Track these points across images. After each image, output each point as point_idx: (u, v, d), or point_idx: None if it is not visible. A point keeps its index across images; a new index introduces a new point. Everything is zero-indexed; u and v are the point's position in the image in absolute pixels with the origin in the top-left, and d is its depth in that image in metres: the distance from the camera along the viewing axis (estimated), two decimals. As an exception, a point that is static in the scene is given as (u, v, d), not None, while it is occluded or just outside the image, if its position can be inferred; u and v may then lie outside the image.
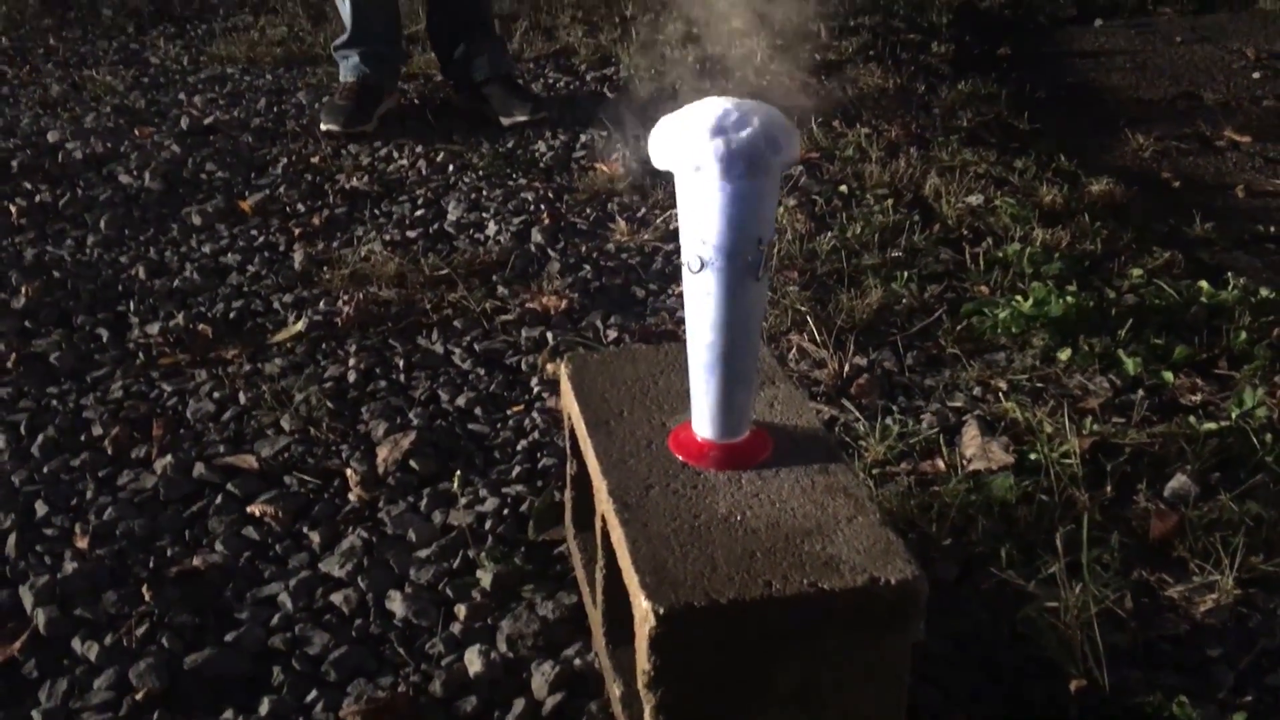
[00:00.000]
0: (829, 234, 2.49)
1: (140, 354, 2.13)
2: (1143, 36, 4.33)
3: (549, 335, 2.18)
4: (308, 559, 1.64)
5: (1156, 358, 2.04)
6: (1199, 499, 1.68)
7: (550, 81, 3.63)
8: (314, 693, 1.40)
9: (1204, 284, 2.25)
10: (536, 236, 2.56)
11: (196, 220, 2.65)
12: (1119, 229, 2.57)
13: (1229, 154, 3.25)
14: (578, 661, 1.43)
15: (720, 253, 1.19)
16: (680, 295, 1.35)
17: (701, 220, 1.18)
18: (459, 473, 1.77)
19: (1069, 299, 2.15)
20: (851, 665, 1.18)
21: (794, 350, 2.09)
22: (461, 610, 1.52)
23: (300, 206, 2.73)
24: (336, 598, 1.56)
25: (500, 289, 2.35)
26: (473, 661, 1.44)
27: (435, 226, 2.63)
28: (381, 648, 1.48)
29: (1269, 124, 3.45)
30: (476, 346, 2.15)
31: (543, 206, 2.72)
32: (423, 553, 1.63)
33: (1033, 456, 1.76)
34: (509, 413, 1.96)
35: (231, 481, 1.78)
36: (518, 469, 1.81)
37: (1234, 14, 4.60)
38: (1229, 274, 2.34)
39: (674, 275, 2.36)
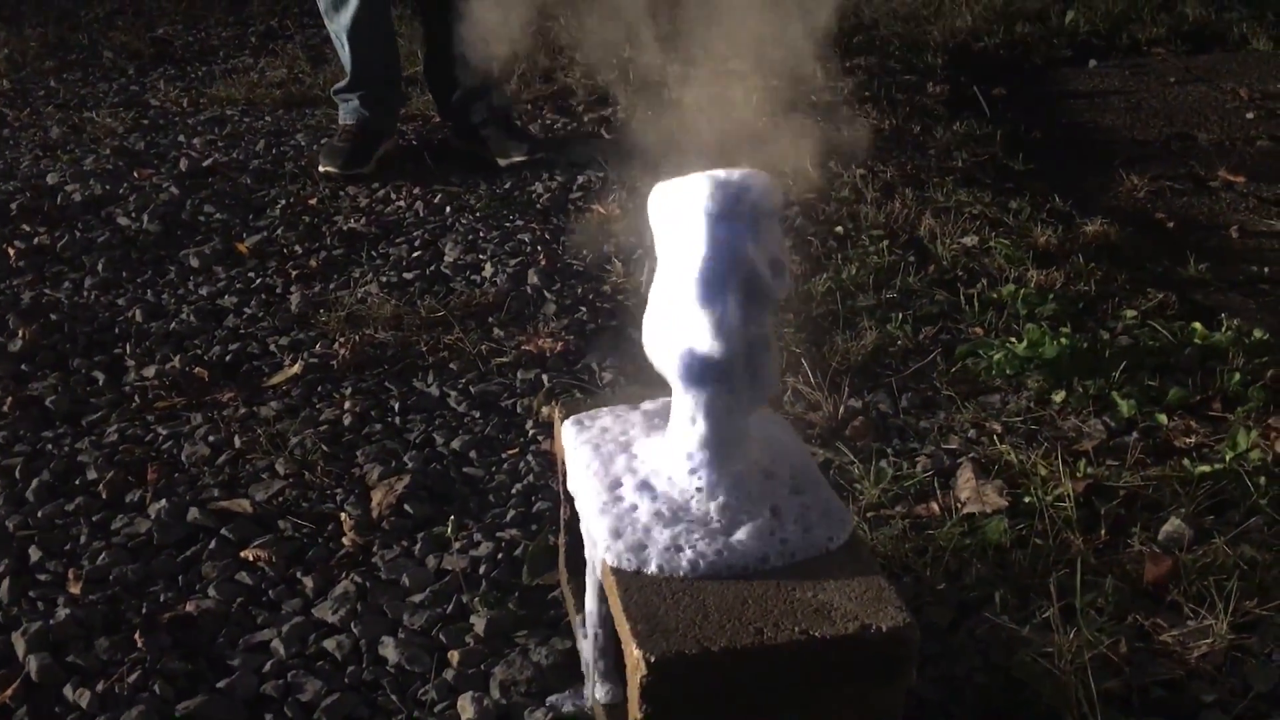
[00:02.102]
0: (824, 275, 2.50)
1: (136, 397, 2.13)
2: (1137, 77, 4.36)
3: (545, 378, 2.18)
4: (301, 604, 1.63)
5: (1150, 400, 2.05)
6: (1193, 542, 1.68)
7: (548, 122, 3.65)
8: (305, 740, 1.40)
9: (1198, 325, 2.26)
10: (533, 278, 2.57)
11: (194, 262, 2.66)
12: (1113, 270, 2.58)
13: (1223, 194, 3.26)
14: (571, 708, 1.42)
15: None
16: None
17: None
18: (453, 517, 1.77)
19: (1063, 341, 2.16)
20: (844, 712, 1.18)
21: (789, 392, 2.10)
22: (455, 656, 1.52)
23: (298, 248, 2.74)
24: (329, 644, 1.55)
25: (496, 331, 2.36)
26: (465, 708, 1.43)
27: (432, 268, 2.65)
28: (374, 694, 1.48)
29: (1263, 164, 3.47)
30: (472, 389, 2.15)
31: (539, 248, 2.73)
32: (416, 598, 1.63)
33: (1027, 499, 1.76)
34: (504, 456, 1.97)
35: (225, 526, 1.78)
36: (512, 513, 1.81)
37: (1227, 54, 4.63)
38: (1223, 315, 2.35)
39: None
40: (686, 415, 1.28)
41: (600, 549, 1.25)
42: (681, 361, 1.24)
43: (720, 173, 1.25)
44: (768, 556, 1.22)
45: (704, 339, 1.22)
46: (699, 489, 1.27)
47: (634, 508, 1.27)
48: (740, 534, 1.23)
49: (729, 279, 1.21)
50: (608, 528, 1.25)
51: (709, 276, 1.22)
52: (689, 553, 1.22)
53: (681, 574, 1.20)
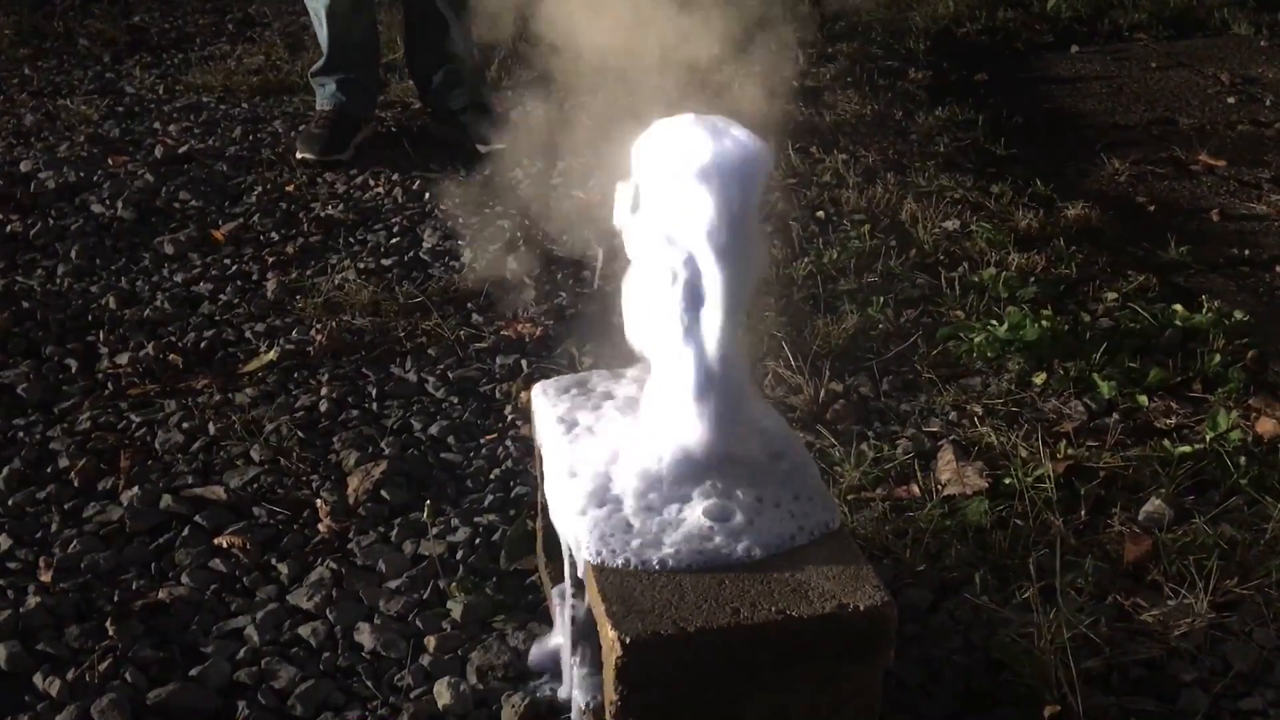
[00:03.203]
0: (805, 259, 2.49)
1: (109, 384, 2.11)
2: (1119, 62, 4.35)
3: (523, 363, 2.17)
4: (276, 591, 1.61)
5: (1131, 381, 2.04)
6: (1173, 522, 1.67)
7: (528, 109, 3.62)
8: (279, 727, 1.38)
9: (1178, 307, 2.26)
10: (512, 264, 2.55)
11: (169, 249, 2.63)
12: (1094, 253, 2.57)
13: (1204, 178, 3.26)
14: (547, 692, 1.41)
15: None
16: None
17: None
18: (430, 503, 1.75)
19: (1044, 323, 2.15)
20: (822, 693, 1.17)
21: (769, 376, 2.09)
22: (431, 642, 1.51)
23: (274, 235, 2.72)
24: (304, 630, 1.54)
25: (475, 317, 2.34)
26: (442, 694, 1.42)
27: (410, 254, 2.62)
28: (350, 681, 1.46)
29: (1243, 148, 3.47)
30: (450, 375, 2.14)
31: (519, 234, 2.71)
32: (393, 584, 1.62)
33: (1007, 481, 1.76)
34: (482, 441, 1.95)
35: (199, 513, 1.76)
36: (490, 498, 1.80)
37: (1208, 39, 4.63)
38: (1203, 297, 2.35)
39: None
40: (673, 397, 1.26)
41: (574, 531, 1.23)
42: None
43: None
44: (752, 549, 1.20)
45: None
46: (684, 477, 1.25)
47: (613, 497, 1.25)
48: (726, 527, 1.21)
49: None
50: (584, 519, 1.23)
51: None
52: (670, 548, 1.19)
53: (659, 568, 1.18)
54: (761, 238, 1.23)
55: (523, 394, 2.05)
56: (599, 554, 1.19)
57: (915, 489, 1.77)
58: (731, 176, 1.20)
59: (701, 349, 1.23)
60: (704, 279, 1.22)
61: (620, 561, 1.18)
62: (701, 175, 1.19)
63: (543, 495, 1.50)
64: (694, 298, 1.23)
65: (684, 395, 1.24)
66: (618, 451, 1.31)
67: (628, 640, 1.10)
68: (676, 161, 1.21)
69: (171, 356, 2.18)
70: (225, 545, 1.69)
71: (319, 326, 2.27)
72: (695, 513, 1.23)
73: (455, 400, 2.06)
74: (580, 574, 1.23)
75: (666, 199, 1.23)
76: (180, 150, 3.21)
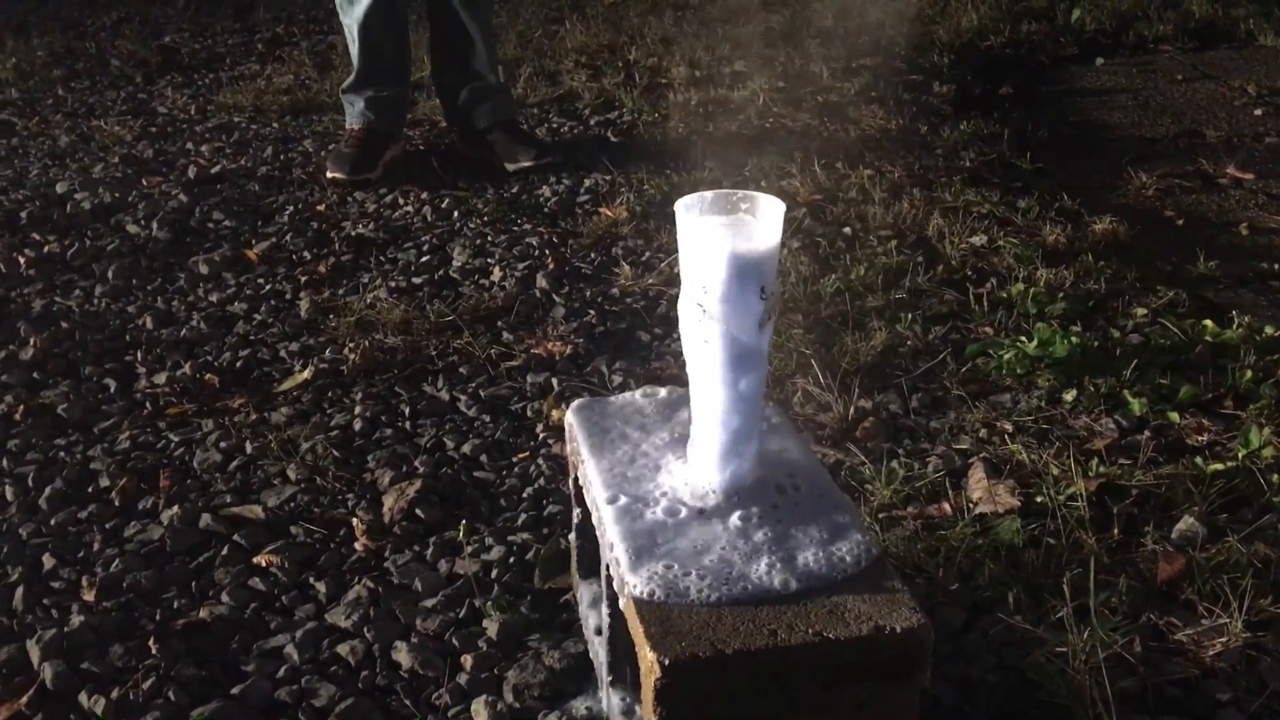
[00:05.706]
0: (833, 276, 2.50)
1: (147, 404, 2.14)
2: (1144, 74, 4.35)
3: (554, 381, 2.18)
4: (314, 610, 1.63)
5: (1162, 398, 2.04)
6: (1206, 540, 1.67)
7: (554, 126, 3.66)
8: (320, 746, 1.40)
9: (1209, 323, 2.25)
10: (541, 281, 2.57)
11: (204, 269, 2.67)
12: (1123, 268, 2.57)
13: (1232, 191, 3.25)
14: (584, 711, 1.42)
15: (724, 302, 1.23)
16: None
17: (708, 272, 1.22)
18: (464, 521, 1.77)
19: (1073, 339, 2.15)
20: (859, 715, 1.18)
21: (799, 393, 2.10)
22: (468, 660, 1.52)
23: (307, 254, 2.75)
24: (343, 649, 1.55)
25: (505, 335, 2.36)
26: (479, 712, 1.43)
27: (440, 273, 2.65)
28: (388, 699, 1.48)
29: (1271, 161, 3.46)
30: (482, 393, 2.16)
31: (547, 251, 2.73)
32: (429, 602, 1.63)
33: (1039, 499, 1.76)
34: (515, 460, 1.97)
35: (238, 532, 1.78)
36: (524, 516, 1.81)
37: (1235, 51, 4.62)
38: (1234, 312, 2.34)
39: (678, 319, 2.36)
40: (706, 439, 1.28)
41: (612, 554, 1.24)
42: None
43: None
44: (789, 581, 1.20)
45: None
46: (723, 508, 1.26)
47: (650, 525, 1.26)
48: (760, 564, 1.21)
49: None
50: (621, 544, 1.24)
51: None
52: (709, 587, 1.19)
53: (696, 599, 1.18)
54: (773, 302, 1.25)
55: (554, 412, 2.07)
56: (637, 581, 1.20)
57: (947, 507, 1.78)
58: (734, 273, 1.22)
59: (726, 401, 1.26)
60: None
61: (659, 592, 1.18)
62: (706, 280, 1.22)
63: (576, 515, 1.52)
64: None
65: (711, 442, 1.27)
66: (656, 477, 1.33)
67: (666, 662, 1.11)
68: (691, 246, 1.24)
69: (208, 376, 2.22)
70: (264, 564, 1.72)
71: (352, 345, 2.30)
72: (734, 544, 1.23)
73: (487, 419, 2.08)
74: (616, 588, 1.24)
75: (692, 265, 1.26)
76: (213, 170, 3.26)
